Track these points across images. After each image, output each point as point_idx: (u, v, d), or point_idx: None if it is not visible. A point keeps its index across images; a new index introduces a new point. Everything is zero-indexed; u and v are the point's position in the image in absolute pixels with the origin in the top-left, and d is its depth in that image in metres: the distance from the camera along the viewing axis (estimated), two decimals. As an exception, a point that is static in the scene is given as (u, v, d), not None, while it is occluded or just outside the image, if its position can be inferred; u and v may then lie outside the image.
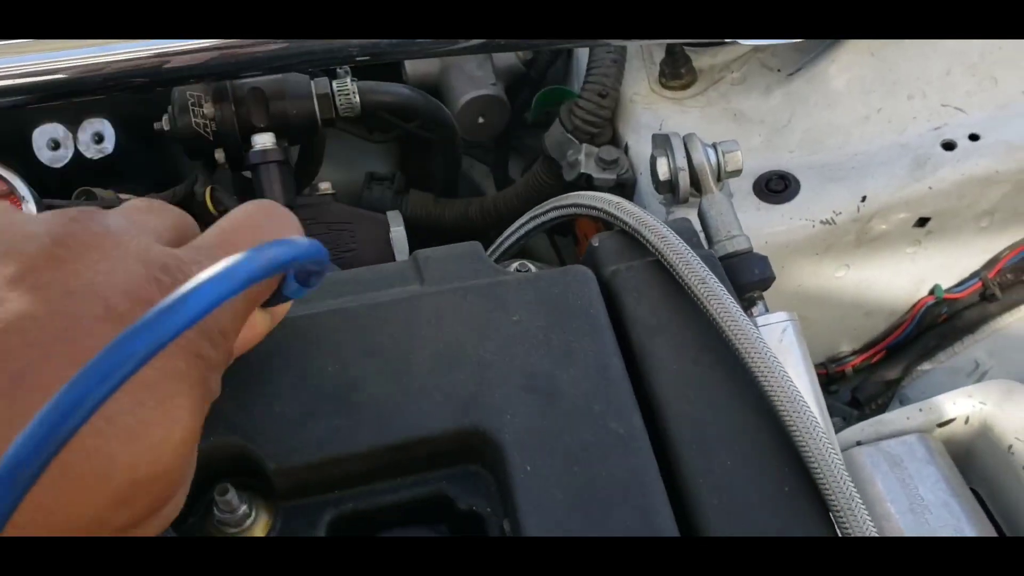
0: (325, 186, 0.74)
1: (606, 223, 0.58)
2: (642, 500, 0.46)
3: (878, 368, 0.95)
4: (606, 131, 0.85)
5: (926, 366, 0.93)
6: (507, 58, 0.99)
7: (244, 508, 0.47)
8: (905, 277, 0.90)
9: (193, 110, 0.69)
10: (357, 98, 0.72)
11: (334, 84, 0.72)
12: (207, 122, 0.69)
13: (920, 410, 0.68)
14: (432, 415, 0.47)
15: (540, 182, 0.89)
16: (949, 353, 0.93)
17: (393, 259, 0.73)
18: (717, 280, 0.52)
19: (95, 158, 0.81)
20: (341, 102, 0.72)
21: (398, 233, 0.72)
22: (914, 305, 0.92)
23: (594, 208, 0.58)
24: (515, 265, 0.58)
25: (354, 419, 0.47)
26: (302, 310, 0.52)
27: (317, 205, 0.73)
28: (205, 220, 0.67)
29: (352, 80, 0.73)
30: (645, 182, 0.80)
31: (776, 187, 0.81)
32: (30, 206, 0.65)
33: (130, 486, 0.33)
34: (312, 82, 0.72)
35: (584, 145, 0.83)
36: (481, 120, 0.95)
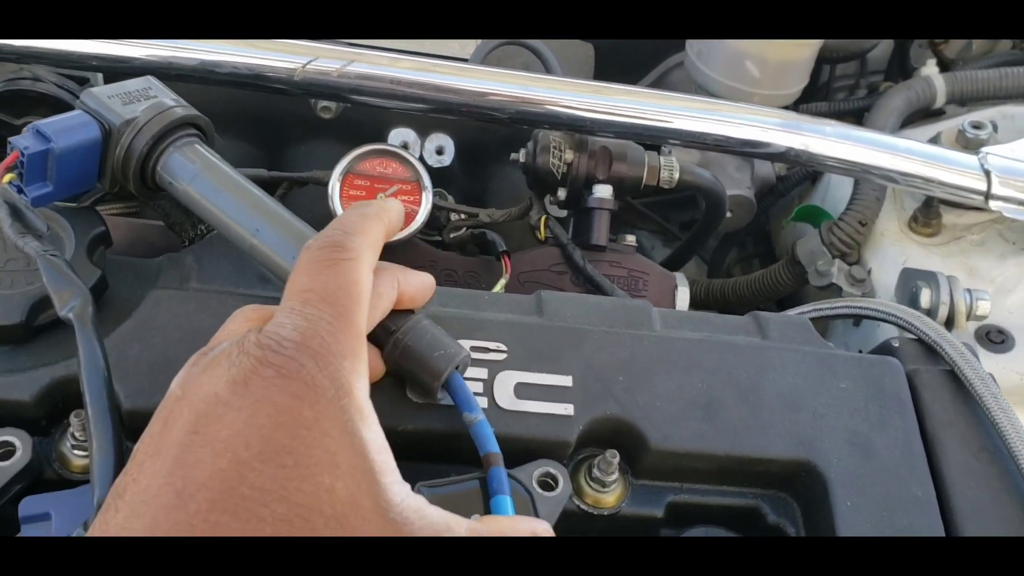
0: (631, 238, 0.88)
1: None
2: (930, 552, 0.57)
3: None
4: (855, 253, 0.98)
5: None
6: (764, 168, 1.13)
7: (616, 474, 0.59)
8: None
9: (553, 152, 0.83)
10: (677, 174, 0.86)
11: (661, 159, 0.86)
12: (562, 164, 0.83)
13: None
14: (775, 442, 0.60)
15: (778, 279, 1.02)
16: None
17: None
18: (1003, 396, 0.64)
19: (434, 167, 0.96)
20: (664, 175, 0.86)
21: (683, 292, 0.85)
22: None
23: (894, 316, 0.71)
24: None
25: (718, 428, 0.59)
26: (672, 333, 0.65)
27: (623, 252, 0.86)
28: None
29: (675, 158, 0.86)
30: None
31: (995, 339, 0.92)
32: (429, 195, 0.79)
33: None
34: (646, 153, 0.86)
35: (837, 260, 0.96)
36: (729, 214, 1.08)
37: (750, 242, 1.31)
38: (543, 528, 0.48)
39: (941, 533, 0.58)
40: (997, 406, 0.63)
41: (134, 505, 0.39)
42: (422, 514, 0.43)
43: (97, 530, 0.39)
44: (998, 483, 0.62)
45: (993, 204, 0.84)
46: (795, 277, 1.01)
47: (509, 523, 0.48)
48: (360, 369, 0.44)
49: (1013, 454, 0.61)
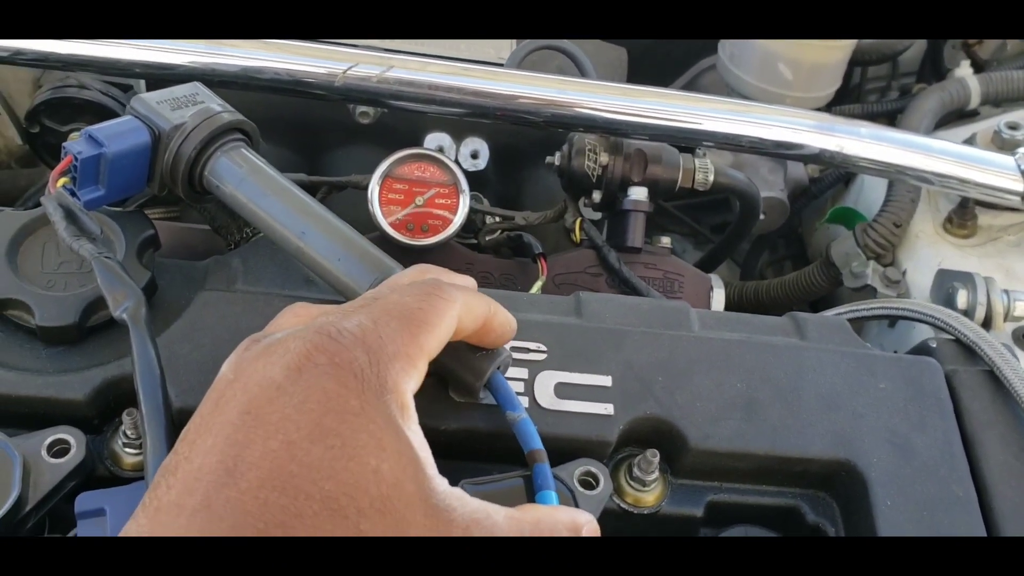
0: (666, 240, 0.88)
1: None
2: (971, 552, 0.57)
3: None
4: (890, 255, 0.98)
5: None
6: (797, 170, 1.13)
7: (656, 473, 0.60)
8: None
9: (589, 155, 0.83)
10: (712, 176, 0.86)
11: (696, 161, 0.87)
12: (597, 167, 0.84)
13: None
14: (814, 442, 0.60)
15: (812, 281, 1.02)
16: None
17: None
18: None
19: (469, 170, 0.96)
20: (699, 177, 0.86)
21: (719, 295, 0.85)
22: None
23: (931, 316, 0.71)
24: None
25: (757, 428, 0.60)
26: (711, 334, 0.65)
27: (658, 254, 0.87)
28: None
29: (709, 160, 0.87)
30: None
31: (1032, 340, 0.92)
32: (466, 198, 0.80)
33: None
34: (680, 156, 0.86)
35: (871, 262, 0.96)
36: (762, 216, 1.08)
37: (782, 244, 1.31)
38: (585, 518, 0.49)
39: (982, 533, 0.58)
40: (1036, 404, 0.63)
41: (186, 482, 0.40)
42: (464, 502, 0.44)
43: (149, 507, 0.40)
44: (1040, 483, 0.62)
45: (1030, 205, 0.84)
46: (829, 279, 1.01)
47: (548, 511, 0.48)
48: (411, 374, 0.45)
49: (1054, 454, 0.61)
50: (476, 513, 0.44)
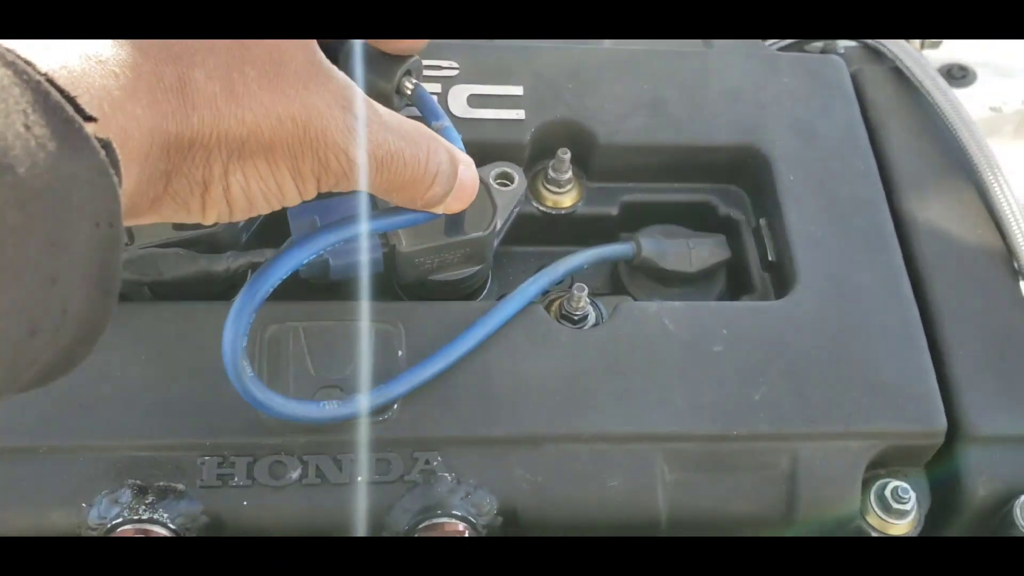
0: None
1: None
2: (872, 218, 0.60)
3: None
4: None
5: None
6: None
7: (569, 175, 0.62)
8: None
9: None
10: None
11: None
12: None
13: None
14: (720, 131, 0.62)
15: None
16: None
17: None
18: (942, 79, 0.66)
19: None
20: None
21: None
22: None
23: (840, 27, 0.73)
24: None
25: (664, 121, 0.62)
26: (620, 46, 0.67)
27: None
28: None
29: None
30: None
31: (957, 75, 0.95)
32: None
33: None
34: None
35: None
36: None
37: None
38: (466, 158, 0.48)
39: (883, 201, 0.61)
40: (936, 89, 0.65)
41: None
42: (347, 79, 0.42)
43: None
44: (939, 158, 0.64)
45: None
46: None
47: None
48: None
49: (953, 130, 0.64)
50: (357, 88, 0.42)
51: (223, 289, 0.57)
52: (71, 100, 0.31)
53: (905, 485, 0.54)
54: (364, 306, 0.53)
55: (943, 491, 0.55)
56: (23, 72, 0.30)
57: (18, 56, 0.30)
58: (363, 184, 0.43)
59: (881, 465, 0.54)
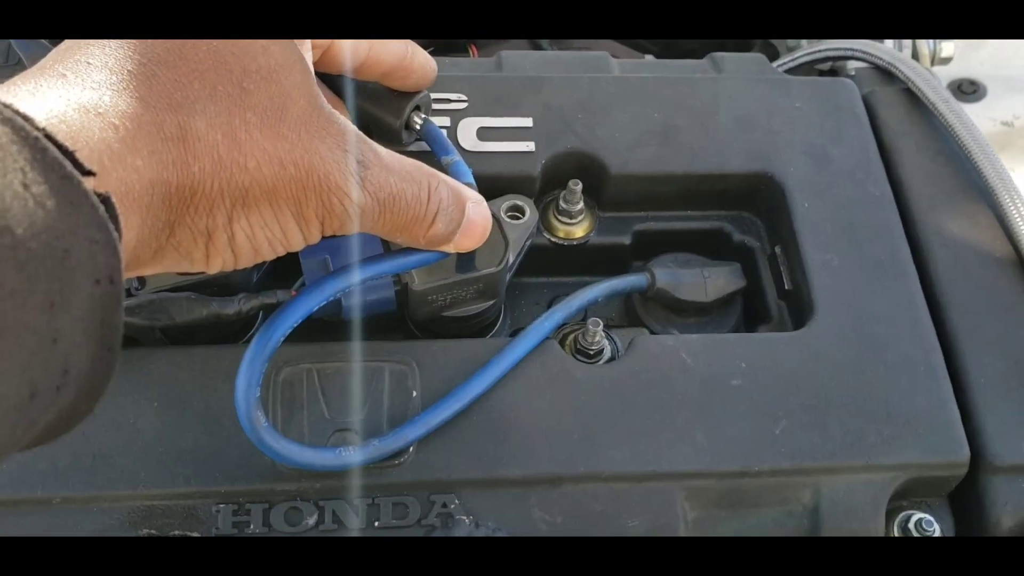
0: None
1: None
2: (888, 244, 0.59)
3: None
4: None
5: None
6: None
7: (581, 205, 0.61)
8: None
9: None
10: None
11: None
12: None
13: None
14: (733, 158, 0.62)
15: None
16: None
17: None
18: (955, 100, 0.65)
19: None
20: None
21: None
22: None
23: (850, 50, 0.72)
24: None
25: (675, 150, 0.61)
26: (629, 74, 0.66)
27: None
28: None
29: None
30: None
31: (967, 90, 0.94)
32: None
33: None
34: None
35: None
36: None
37: None
38: (476, 195, 0.48)
39: (899, 225, 0.60)
40: (950, 111, 0.64)
41: None
42: (347, 121, 0.43)
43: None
44: (954, 180, 0.64)
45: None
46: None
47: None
48: None
49: (967, 152, 0.63)
50: (357, 131, 0.42)
51: (236, 330, 0.56)
52: (69, 155, 0.31)
53: (929, 517, 0.53)
54: (377, 346, 0.52)
55: (967, 521, 0.54)
56: (21, 128, 0.30)
57: (16, 111, 0.30)
58: (367, 227, 0.42)
59: (904, 496, 0.54)
